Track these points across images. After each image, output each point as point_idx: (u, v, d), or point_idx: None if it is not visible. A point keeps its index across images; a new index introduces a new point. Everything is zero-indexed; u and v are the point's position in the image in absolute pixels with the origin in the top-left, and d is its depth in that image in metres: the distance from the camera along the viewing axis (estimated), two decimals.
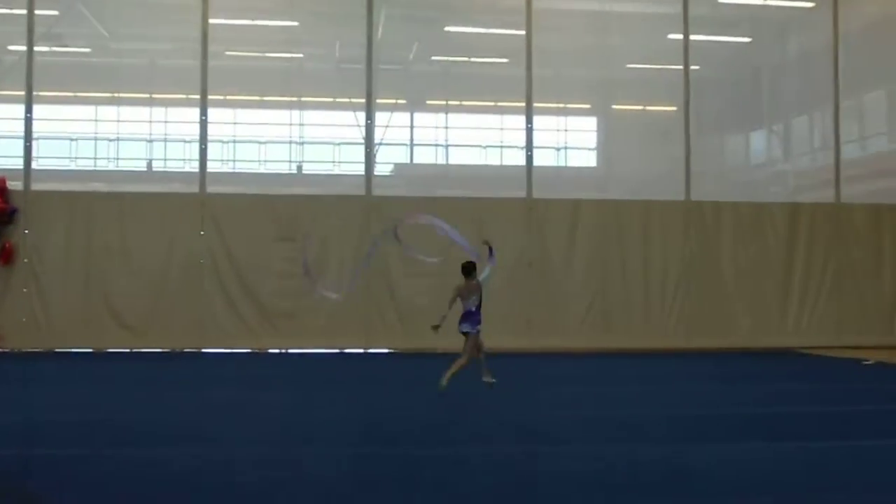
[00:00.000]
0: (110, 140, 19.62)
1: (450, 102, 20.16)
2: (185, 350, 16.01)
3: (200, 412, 9.35)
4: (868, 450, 7.26)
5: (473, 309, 10.94)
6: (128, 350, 15.92)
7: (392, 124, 18.23)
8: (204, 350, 16.08)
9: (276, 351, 16.28)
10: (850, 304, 17.62)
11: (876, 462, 6.83)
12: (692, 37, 17.72)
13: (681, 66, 17.64)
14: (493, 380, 10.96)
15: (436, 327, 10.47)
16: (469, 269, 11.18)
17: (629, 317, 16.82)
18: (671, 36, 18.01)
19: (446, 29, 19.34)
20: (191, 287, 16.02)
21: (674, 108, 18.10)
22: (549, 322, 16.05)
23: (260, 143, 19.79)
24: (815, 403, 10.15)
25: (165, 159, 20.10)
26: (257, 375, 13.23)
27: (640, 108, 20.03)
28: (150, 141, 19.89)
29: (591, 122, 21.13)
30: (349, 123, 17.73)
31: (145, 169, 19.93)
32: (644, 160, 19.08)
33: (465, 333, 10.83)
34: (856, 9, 18.63)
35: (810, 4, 19.50)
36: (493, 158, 20.21)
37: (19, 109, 16.18)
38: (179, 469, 6.39)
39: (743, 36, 20.61)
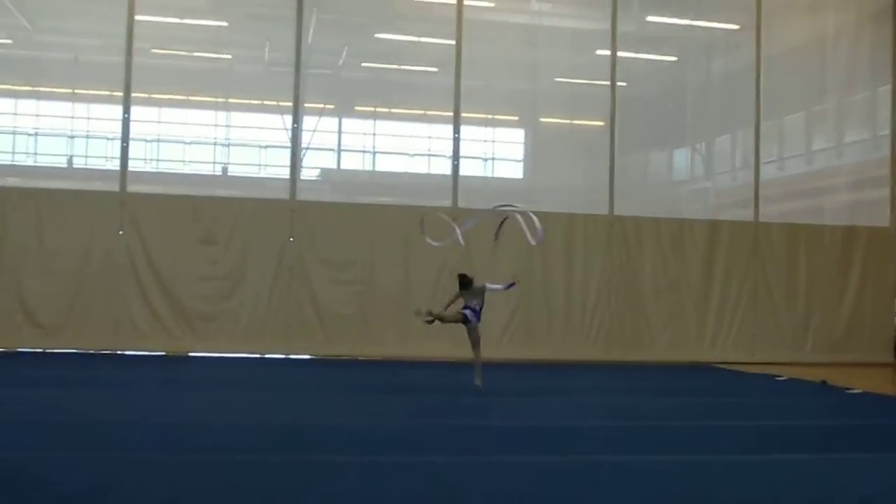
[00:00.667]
0: (29, 135, 19.13)
1: (378, 109, 20.09)
2: (101, 351, 15.69)
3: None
4: (777, 464, 7.40)
5: (478, 309, 11.53)
6: (41, 350, 15.54)
7: (320, 129, 18.13)
8: (119, 352, 15.78)
9: (194, 354, 16.03)
10: (765, 321, 18.04)
11: (784, 476, 6.96)
12: (620, 53, 17.99)
13: (608, 82, 17.88)
14: (480, 384, 11.53)
15: (422, 315, 11.45)
16: (464, 282, 11.63)
17: (550, 328, 16.96)
18: (599, 52, 18.23)
19: (377, 36, 19.29)
20: (108, 287, 15.73)
21: (600, 124, 18.32)
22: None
23: (185, 143, 19.46)
24: (726, 417, 10.32)
25: (87, 156, 19.65)
26: (170, 377, 13.02)
27: (567, 121, 20.19)
28: (72, 137, 19.44)
29: (518, 134, 21.24)
30: (276, 127, 17.58)
31: (65, 165, 19.47)
32: (570, 173, 19.26)
33: (466, 321, 11.44)
34: (778, 33, 19.10)
35: (735, 27, 19.90)
36: (420, 167, 20.19)
37: None
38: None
39: (669, 55, 20.94)
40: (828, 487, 6.65)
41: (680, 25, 20.10)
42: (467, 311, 11.49)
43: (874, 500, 6.39)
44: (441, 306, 11.88)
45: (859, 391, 13.42)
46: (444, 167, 17.59)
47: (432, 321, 11.58)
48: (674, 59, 21.08)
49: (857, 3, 19.39)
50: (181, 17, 18.39)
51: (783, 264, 18.26)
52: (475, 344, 11.67)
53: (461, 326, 11.72)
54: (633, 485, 6.52)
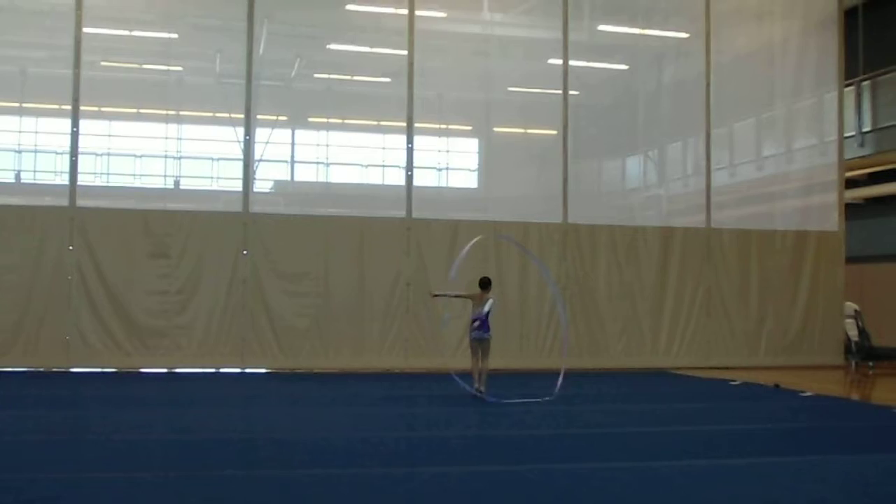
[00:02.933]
0: None
1: (331, 120, 20.01)
2: (53, 369, 15.43)
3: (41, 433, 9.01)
4: (732, 468, 7.46)
5: (484, 318, 12.39)
6: None
7: (272, 141, 18.02)
8: (73, 369, 15.51)
9: (147, 371, 15.81)
10: (719, 326, 18.23)
11: (739, 480, 7.01)
12: (571, 62, 18.10)
13: (560, 91, 17.98)
14: (484, 390, 12.25)
15: (436, 295, 13.22)
16: (485, 283, 12.65)
17: (506, 337, 16.91)
18: (551, 61, 18.33)
19: (329, 47, 19.23)
20: (58, 304, 15.48)
21: (553, 132, 18.39)
22: (426, 342, 16.08)
23: (135, 156, 19.25)
24: (682, 423, 10.40)
25: (35, 171, 19.37)
26: (121, 395, 12.84)
27: (520, 131, 20.25)
28: (19, 152, 19.14)
29: (472, 144, 21.26)
30: (228, 139, 17.43)
31: (13, 181, 19.18)
32: (523, 182, 19.31)
33: (482, 339, 12.40)
34: (727, 41, 19.36)
35: (685, 35, 20.11)
36: (374, 177, 20.13)
37: None
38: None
39: (621, 63, 21.10)
40: (782, 490, 6.72)
41: (631, 34, 20.25)
42: (481, 332, 12.37)
43: (827, 501, 6.46)
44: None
45: (811, 394, 13.61)
46: (398, 178, 17.57)
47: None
48: (625, 67, 21.24)
49: (803, 11, 19.69)
50: (130, 30, 18.18)
51: (736, 269, 18.47)
52: (486, 353, 12.47)
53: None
54: (591, 492, 6.53)
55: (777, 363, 17.90)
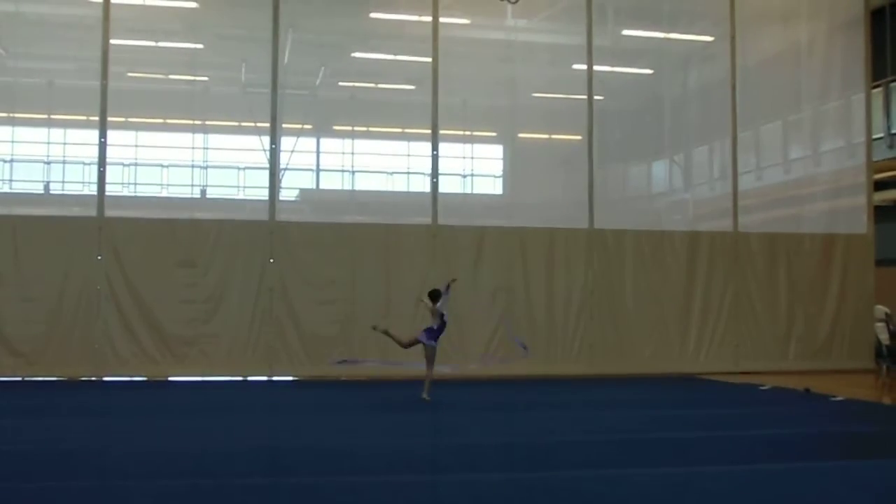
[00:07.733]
0: (5, 161, 19.00)
1: (356, 128, 20.07)
2: (82, 378, 15.54)
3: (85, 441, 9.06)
4: (764, 474, 7.39)
5: (434, 327, 12.78)
6: (19, 379, 15.36)
7: (298, 149, 18.09)
8: (102, 378, 15.61)
9: (175, 379, 15.88)
10: (747, 330, 18.09)
11: (770, 486, 6.95)
12: (596, 67, 18.05)
13: (585, 96, 17.93)
14: (428, 398, 12.60)
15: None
16: (434, 295, 12.98)
17: (533, 343, 16.86)
18: (576, 66, 18.29)
19: (353, 55, 19.30)
20: (87, 314, 15.60)
21: (578, 138, 18.34)
22: (452, 348, 16.03)
23: (162, 166, 19.42)
24: (712, 428, 10.31)
25: (63, 182, 19.54)
26: (151, 403, 12.91)
27: (545, 136, 20.22)
28: (48, 163, 19.33)
29: (497, 150, 21.25)
30: (254, 148, 17.53)
31: (42, 192, 19.37)
32: (549, 188, 19.27)
33: (433, 348, 12.81)
34: (752, 44, 19.24)
35: (710, 38, 20.02)
36: (399, 185, 20.17)
37: None
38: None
39: (645, 68, 21.00)
40: (813, 495, 6.65)
41: (655, 38, 20.16)
42: (422, 335, 12.76)
43: None
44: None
45: (842, 398, 13.47)
46: (424, 185, 17.59)
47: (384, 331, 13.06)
48: (650, 71, 21.15)
49: (829, 13, 19.53)
50: (156, 41, 18.34)
51: (764, 273, 18.33)
52: (429, 360, 12.83)
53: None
54: (622, 499, 6.49)
55: (807, 367, 17.74)
